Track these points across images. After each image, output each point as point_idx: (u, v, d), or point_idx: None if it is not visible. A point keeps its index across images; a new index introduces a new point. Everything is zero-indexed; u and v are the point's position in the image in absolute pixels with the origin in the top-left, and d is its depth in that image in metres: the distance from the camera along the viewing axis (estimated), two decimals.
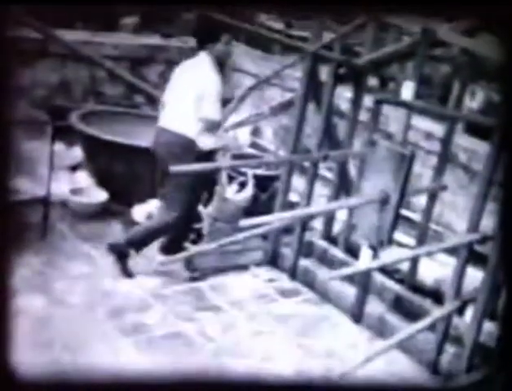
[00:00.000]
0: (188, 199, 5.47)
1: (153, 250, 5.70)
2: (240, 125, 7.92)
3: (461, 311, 4.99)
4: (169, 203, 5.46)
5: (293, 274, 5.97)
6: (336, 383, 4.14)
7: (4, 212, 3.34)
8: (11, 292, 3.05)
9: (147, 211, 6.36)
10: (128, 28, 9.10)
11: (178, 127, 5.36)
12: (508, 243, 3.59)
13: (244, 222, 4.90)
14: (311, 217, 6.11)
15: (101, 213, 6.43)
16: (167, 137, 5.42)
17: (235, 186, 6.55)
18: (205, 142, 5.41)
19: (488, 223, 5.09)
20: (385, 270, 5.62)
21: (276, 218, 5.69)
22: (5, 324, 2.96)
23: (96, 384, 3.58)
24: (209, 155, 5.47)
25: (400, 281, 5.61)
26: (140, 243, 5.51)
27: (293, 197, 6.44)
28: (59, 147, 6.72)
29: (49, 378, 3.72)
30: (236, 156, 7.12)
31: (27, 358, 3.95)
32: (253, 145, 8.29)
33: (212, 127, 5.42)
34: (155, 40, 8.94)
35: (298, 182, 6.48)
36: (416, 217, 6.36)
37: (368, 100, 6.09)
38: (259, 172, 6.83)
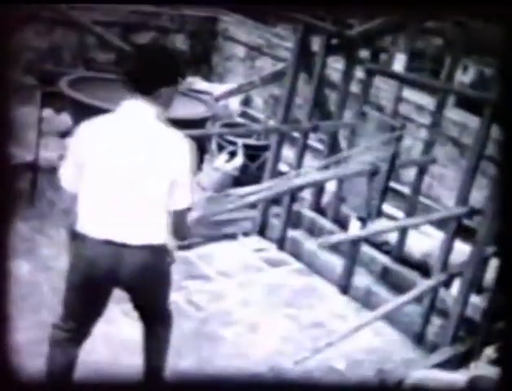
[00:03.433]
0: None
1: None
2: (230, 94, 7.89)
3: (447, 284, 5.01)
4: None
5: (281, 244, 5.98)
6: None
7: None
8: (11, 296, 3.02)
9: None
10: None
11: (144, 236, 3.31)
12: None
13: (233, 192, 4.88)
14: (300, 187, 6.11)
15: None
16: (131, 257, 3.29)
17: (224, 156, 6.54)
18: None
19: (477, 197, 5.12)
20: (373, 242, 5.64)
21: (265, 188, 5.68)
22: (5, 326, 2.94)
23: (95, 384, 3.57)
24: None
25: (388, 253, 5.63)
26: None
27: (283, 167, 6.43)
28: (47, 112, 6.66)
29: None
30: (226, 125, 7.10)
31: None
32: (244, 114, 8.26)
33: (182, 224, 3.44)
34: (146, 6, 8.85)
35: (288, 153, 6.46)
36: (405, 189, 6.37)
37: (359, 72, 6.07)
38: (249, 141, 6.81)
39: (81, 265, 3.34)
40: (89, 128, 3.27)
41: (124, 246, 3.25)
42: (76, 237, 3.36)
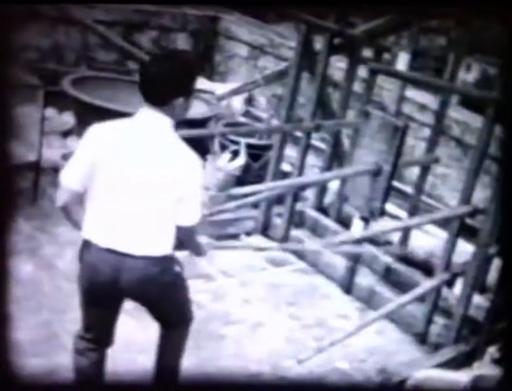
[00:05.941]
0: None
1: None
2: (233, 93, 7.88)
3: (450, 283, 5.01)
4: None
5: (284, 243, 5.96)
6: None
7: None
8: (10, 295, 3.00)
9: None
10: None
11: (147, 247, 3.20)
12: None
13: (236, 191, 4.87)
14: (303, 187, 6.10)
15: None
16: (132, 267, 3.19)
17: (227, 155, 6.53)
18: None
19: (480, 196, 5.10)
20: (376, 242, 5.63)
21: (268, 187, 5.67)
22: (6, 325, 2.92)
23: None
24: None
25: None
26: None
27: (286, 167, 6.42)
28: (50, 112, 6.66)
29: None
30: (229, 125, 7.09)
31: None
32: (247, 114, 8.25)
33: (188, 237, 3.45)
34: (148, 5, 8.85)
35: (291, 152, 6.45)
36: (408, 189, 6.36)
37: (362, 71, 6.05)
38: (252, 141, 6.80)
39: (85, 272, 3.27)
40: (102, 130, 3.15)
41: (126, 255, 3.16)
42: (82, 243, 3.29)
